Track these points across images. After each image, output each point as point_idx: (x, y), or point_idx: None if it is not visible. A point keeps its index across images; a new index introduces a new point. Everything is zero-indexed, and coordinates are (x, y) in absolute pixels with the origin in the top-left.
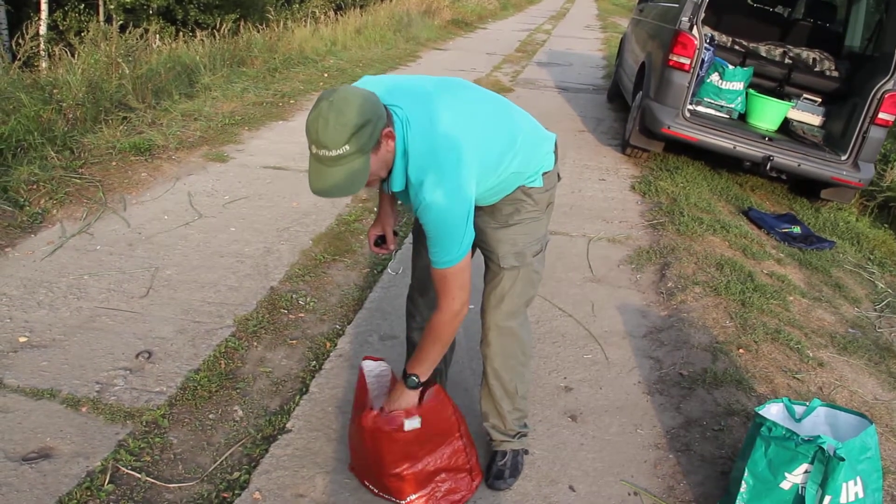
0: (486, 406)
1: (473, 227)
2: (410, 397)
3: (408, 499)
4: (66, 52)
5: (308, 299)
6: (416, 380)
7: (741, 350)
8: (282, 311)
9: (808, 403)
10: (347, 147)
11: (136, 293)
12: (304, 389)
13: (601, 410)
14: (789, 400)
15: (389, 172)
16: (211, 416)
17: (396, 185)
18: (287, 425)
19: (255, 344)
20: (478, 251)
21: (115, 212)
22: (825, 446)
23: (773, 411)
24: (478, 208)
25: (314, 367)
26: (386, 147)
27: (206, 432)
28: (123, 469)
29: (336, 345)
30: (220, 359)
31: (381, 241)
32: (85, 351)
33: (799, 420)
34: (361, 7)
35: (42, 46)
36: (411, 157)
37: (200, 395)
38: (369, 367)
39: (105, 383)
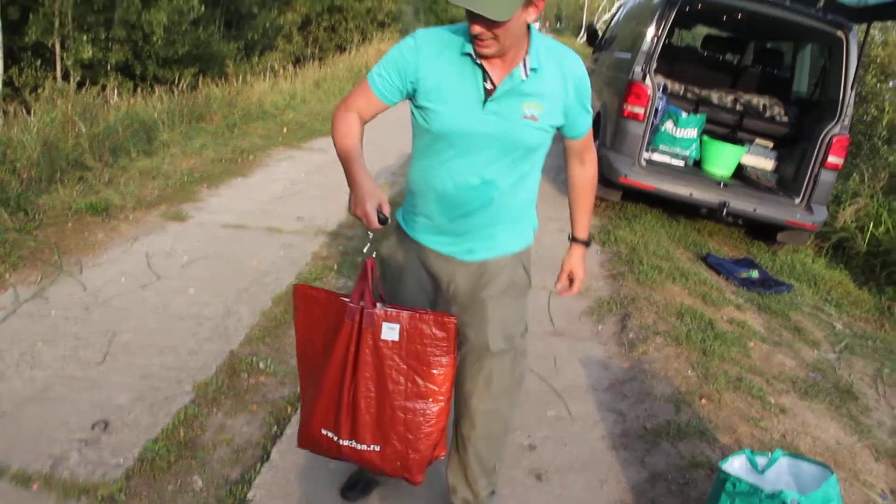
0: (456, 480)
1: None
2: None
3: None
4: (21, 109)
5: (268, 362)
6: (590, 239)
7: (704, 400)
8: (242, 375)
9: (770, 454)
10: None
11: (92, 360)
12: (265, 457)
13: (566, 468)
14: (751, 452)
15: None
16: (170, 487)
17: (534, 61)
18: (248, 495)
19: (215, 410)
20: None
21: (70, 275)
22: (788, 501)
23: (735, 465)
24: (470, 268)
25: (275, 432)
26: (528, 14)
27: None
28: None
29: (297, 409)
30: (179, 427)
31: (382, 215)
32: (38, 423)
33: (762, 472)
34: (320, 60)
35: None
36: (544, 44)
37: (159, 465)
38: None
39: (59, 457)
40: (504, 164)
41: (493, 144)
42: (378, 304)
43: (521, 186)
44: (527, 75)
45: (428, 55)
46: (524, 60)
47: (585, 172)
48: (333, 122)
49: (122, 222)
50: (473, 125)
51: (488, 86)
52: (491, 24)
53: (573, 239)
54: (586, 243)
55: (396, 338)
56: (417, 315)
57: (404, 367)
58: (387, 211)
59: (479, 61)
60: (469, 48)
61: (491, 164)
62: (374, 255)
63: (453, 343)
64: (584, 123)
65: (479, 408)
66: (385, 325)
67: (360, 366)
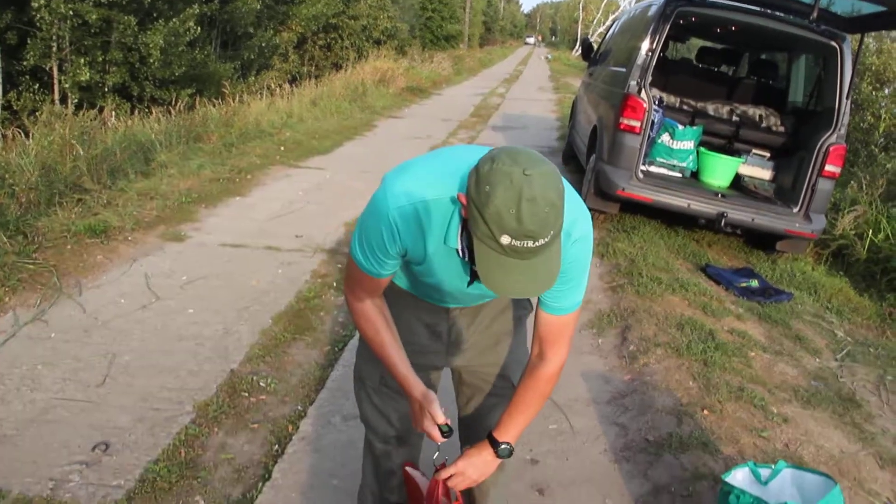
0: None
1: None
2: (493, 467)
3: None
4: (19, 133)
5: (269, 381)
6: (510, 448)
7: (706, 411)
8: (242, 394)
9: (773, 466)
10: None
11: (92, 382)
12: (266, 476)
13: (568, 482)
14: (755, 464)
15: None
16: None
17: None
18: None
19: (216, 430)
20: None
21: (70, 297)
22: None
23: (739, 477)
24: (487, 308)
25: (276, 451)
26: None
27: None
28: None
29: (298, 427)
30: (181, 447)
31: (446, 427)
32: (38, 446)
33: (765, 483)
34: (316, 78)
35: None
36: None
37: (160, 486)
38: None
39: (60, 479)
40: None
41: (481, 297)
42: None
43: None
44: None
45: (407, 240)
46: None
47: (542, 372)
48: (354, 315)
49: (121, 244)
50: (461, 288)
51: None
52: None
53: (488, 435)
54: (499, 450)
55: None
56: None
57: None
58: (442, 420)
59: (465, 259)
60: (455, 242)
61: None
62: (444, 463)
63: None
64: (560, 302)
65: None
66: None
67: None
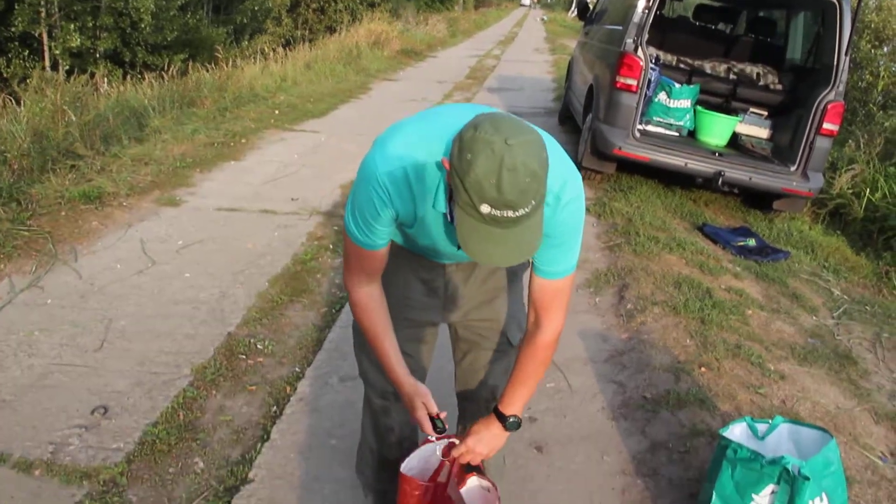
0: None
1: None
2: (502, 441)
3: None
4: (10, 100)
5: (266, 343)
6: (518, 421)
7: (703, 368)
8: (240, 356)
9: (770, 421)
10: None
11: (89, 347)
12: (265, 437)
13: (566, 440)
14: (752, 419)
15: None
16: (171, 470)
17: None
18: (249, 475)
19: (214, 392)
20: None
21: (65, 263)
22: (789, 467)
23: (736, 432)
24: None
25: (275, 413)
26: None
27: (167, 487)
28: None
29: (296, 388)
30: (179, 410)
31: (440, 422)
32: (37, 411)
33: (762, 438)
34: (310, 42)
35: None
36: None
37: (159, 449)
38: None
39: (59, 443)
40: None
41: None
42: None
43: None
44: None
45: (397, 203)
46: None
47: (540, 340)
48: (353, 306)
49: (116, 209)
50: (453, 250)
51: None
52: None
53: (494, 409)
54: (507, 424)
55: None
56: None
57: None
58: (434, 410)
59: (453, 223)
60: (443, 206)
61: None
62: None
63: None
64: (553, 266)
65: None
66: None
67: None
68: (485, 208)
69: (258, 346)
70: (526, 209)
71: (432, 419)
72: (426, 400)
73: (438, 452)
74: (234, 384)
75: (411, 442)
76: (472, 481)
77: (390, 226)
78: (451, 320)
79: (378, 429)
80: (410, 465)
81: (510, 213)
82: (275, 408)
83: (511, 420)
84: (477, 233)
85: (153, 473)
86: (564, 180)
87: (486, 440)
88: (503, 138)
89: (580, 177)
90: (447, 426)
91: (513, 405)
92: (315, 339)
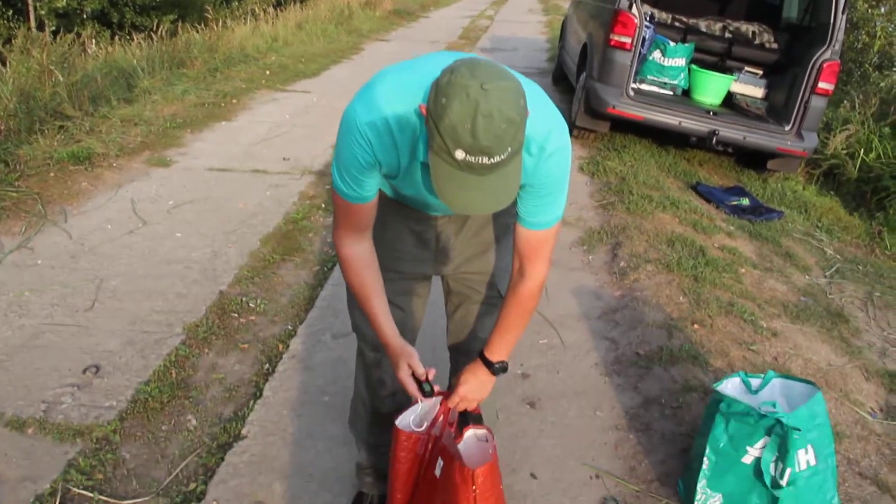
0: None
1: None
2: (490, 386)
3: None
4: None
5: (258, 301)
6: (505, 365)
7: (696, 325)
8: (232, 315)
9: (763, 376)
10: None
11: (80, 306)
12: (257, 394)
13: (559, 395)
14: (745, 374)
15: None
16: (164, 427)
17: None
18: (242, 431)
19: (206, 350)
20: None
21: (55, 224)
22: (783, 419)
23: (730, 387)
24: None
25: (267, 370)
26: None
27: (160, 445)
28: (74, 490)
29: (288, 346)
30: (171, 368)
31: (428, 385)
32: (29, 370)
33: (755, 392)
34: (302, 2)
35: None
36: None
37: (152, 406)
38: (405, 420)
39: (52, 402)
40: None
41: None
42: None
43: None
44: None
45: (379, 152)
46: None
47: (523, 289)
48: (342, 264)
49: (106, 170)
50: (439, 200)
51: None
52: None
53: (480, 355)
54: (494, 369)
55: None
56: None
57: None
58: (422, 371)
59: None
60: (424, 155)
61: None
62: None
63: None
64: (538, 217)
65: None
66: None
67: None
68: (459, 154)
69: (250, 305)
70: (502, 156)
71: (420, 382)
72: (412, 361)
73: (431, 406)
74: (226, 342)
75: (404, 395)
76: (468, 434)
77: (375, 175)
78: (442, 273)
79: (371, 382)
80: (406, 420)
81: (485, 160)
82: (267, 365)
83: (497, 365)
84: (452, 179)
85: (146, 431)
86: (549, 130)
87: (474, 387)
88: (479, 83)
89: (566, 127)
90: (436, 388)
91: (499, 352)
92: (307, 297)
